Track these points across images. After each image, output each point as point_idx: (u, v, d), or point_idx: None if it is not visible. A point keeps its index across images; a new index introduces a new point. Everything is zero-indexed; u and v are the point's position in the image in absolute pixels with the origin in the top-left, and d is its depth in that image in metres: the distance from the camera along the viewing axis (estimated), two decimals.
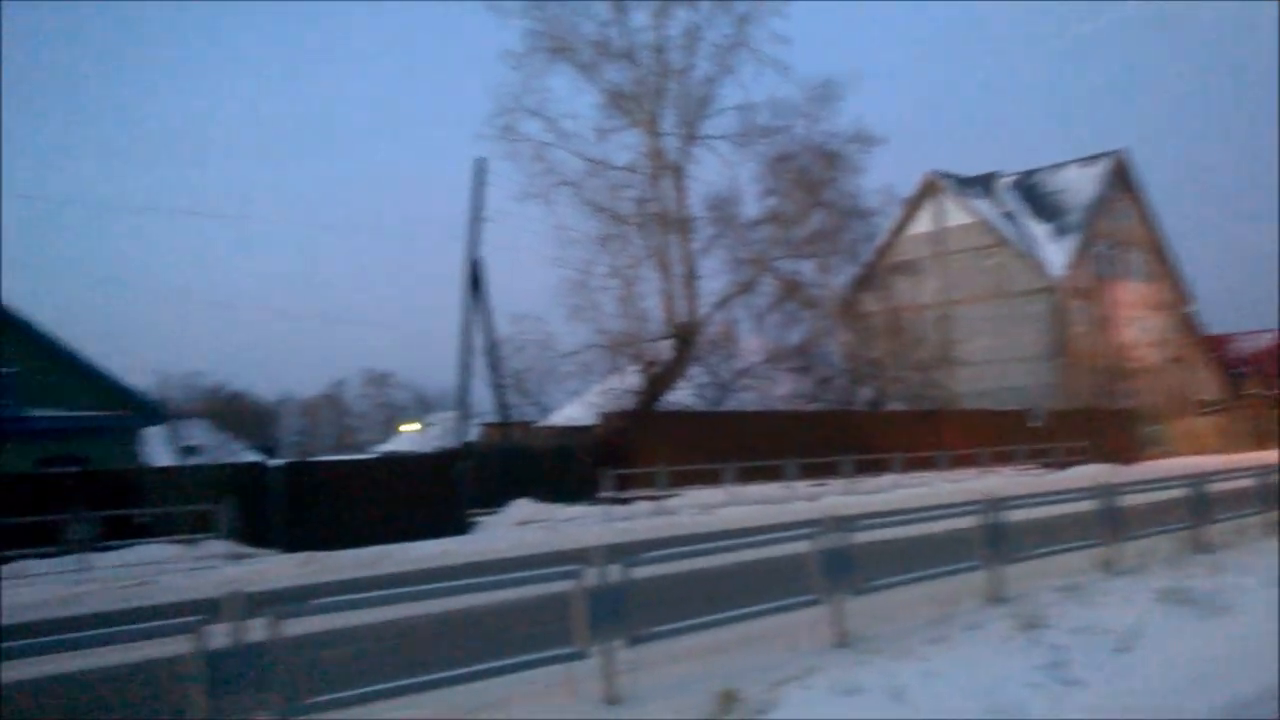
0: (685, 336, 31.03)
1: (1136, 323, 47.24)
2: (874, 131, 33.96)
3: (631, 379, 31.09)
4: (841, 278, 36.58)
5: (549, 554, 15.81)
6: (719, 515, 22.22)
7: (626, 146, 31.20)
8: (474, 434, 31.35)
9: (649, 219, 31.09)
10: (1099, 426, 38.32)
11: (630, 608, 6.79)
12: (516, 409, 32.71)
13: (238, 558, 17.88)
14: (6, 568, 16.43)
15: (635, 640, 6.82)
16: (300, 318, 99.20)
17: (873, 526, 8.84)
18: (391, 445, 49.01)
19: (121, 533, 18.03)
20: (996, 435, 34.15)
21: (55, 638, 5.60)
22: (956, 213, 46.38)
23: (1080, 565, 10.88)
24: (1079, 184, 47.63)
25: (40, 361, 23.90)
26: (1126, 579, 10.15)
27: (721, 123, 31.66)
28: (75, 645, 5.66)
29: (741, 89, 35.49)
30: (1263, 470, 14.57)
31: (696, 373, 32.94)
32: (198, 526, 18.53)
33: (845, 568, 8.13)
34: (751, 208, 33.13)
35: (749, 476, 26.00)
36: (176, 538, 18.30)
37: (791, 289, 33.80)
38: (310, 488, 21.22)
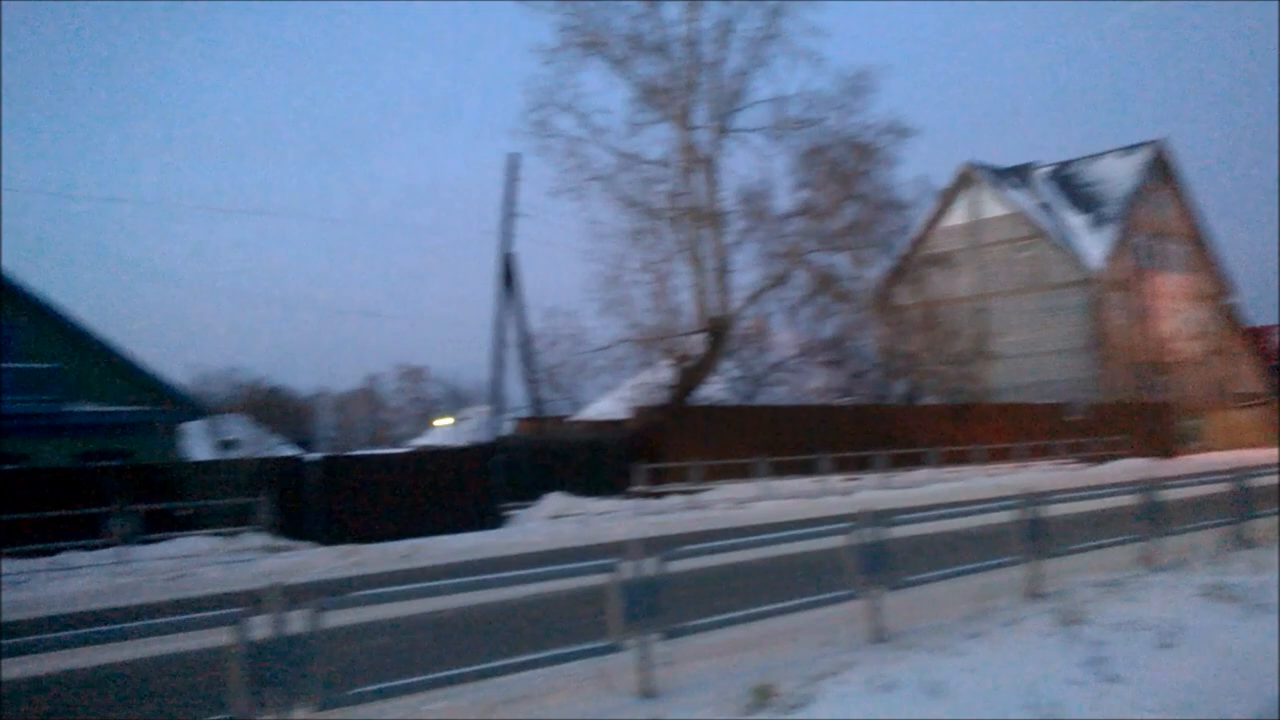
0: (718, 330, 30.95)
1: (1176, 315, 46.52)
2: (908, 123, 33.73)
3: (664, 373, 31.08)
4: (875, 271, 36.37)
5: (583, 548, 15.86)
6: (752, 510, 22.18)
7: (659, 140, 31.22)
8: (507, 428, 31.49)
9: (681, 213, 31.03)
10: (1137, 420, 37.81)
11: (666, 601, 6.79)
12: (549, 403, 32.84)
13: (276, 550, 18.11)
14: (51, 559, 16.76)
15: (671, 634, 6.82)
16: (336, 313, 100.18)
17: (909, 521, 8.77)
18: (425, 440, 49.41)
19: (162, 526, 18.32)
20: (1033, 429, 33.79)
21: (102, 628, 5.70)
22: (992, 204, 45.90)
23: (1120, 561, 10.74)
24: (1117, 174, 46.97)
25: (82, 357, 24.28)
26: (1167, 575, 10.00)
27: (754, 116, 31.58)
28: (122, 636, 5.74)
29: (774, 81, 35.47)
30: None
31: (729, 367, 32.86)
32: (236, 520, 18.80)
33: (881, 562, 8.07)
34: (784, 201, 32.99)
35: (782, 471, 25.93)
36: (216, 531, 18.60)
37: (825, 282, 33.60)
38: (346, 481, 21.44)
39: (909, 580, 8.43)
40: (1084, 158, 49.15)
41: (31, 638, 5.45)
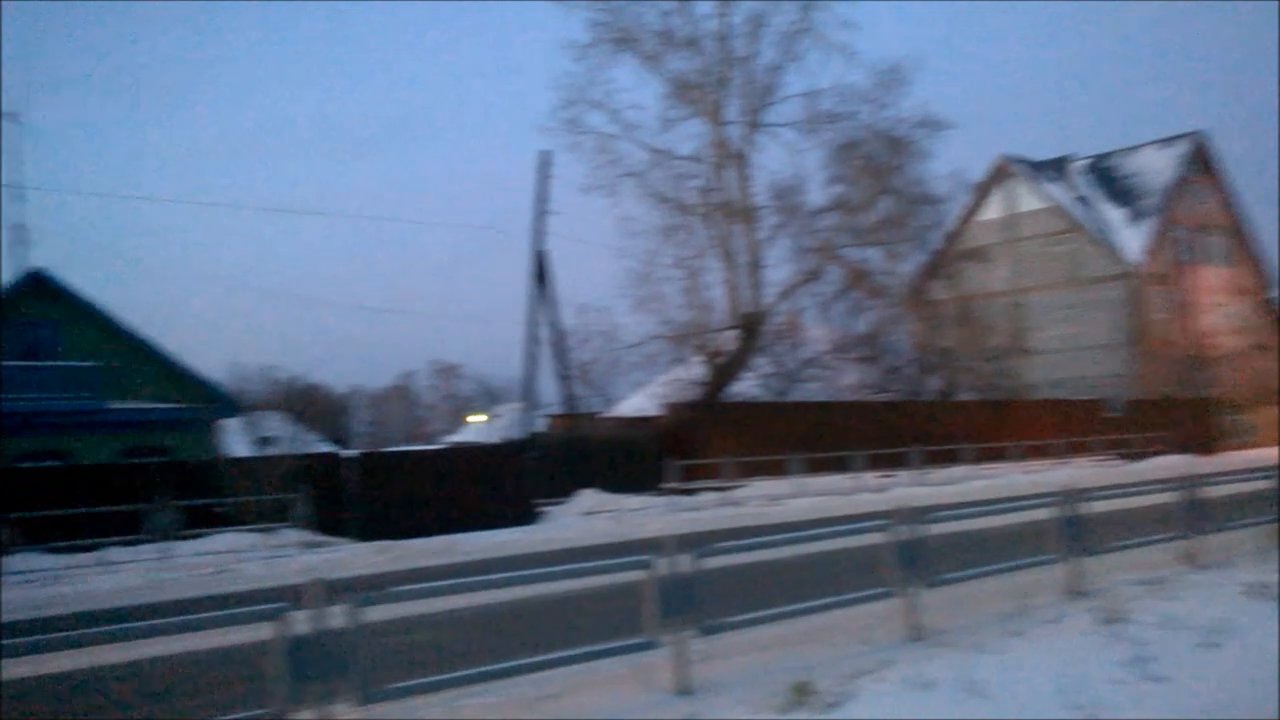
0: (750, 326, 30.86)
1: (1217, 309, 45.69)
2: (942, 116, 33.38)
3: (696, 370, 31.04)
4: (909, 265, 36.00)
5: (616, 544, 15.87)
6: (786, 506, 22.11)
7: (690, 136, 31.15)
8: (540, 425, 31.62)
9: (713, 209, 30.96)
10: (1177, 416, 37.22)
11: (701, 598, 6.78)
12: (582, 400, 32.91)
13: (313, 546, 18.30)
14: (94, 555, 17.05)
15: (706, 631, 6.81)
16: (371, 311, 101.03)
17: (947, 518, 8.70)
18: (459, 436, 49.70)
19: (202, 521, 18.58)
20: (1071, 425, 33.38)
21: (147, 623, 5.78)
22: (1028, 198, 45.37)
23: (1162, 559, 10.59)
24: (1156, 167, 46.22)
25: (123, 356, 24.66)
26: (1211, 573, 9.85)
27: (786, 110, 31.41)
28: (165, 630, 5.82)
29: (807, 76, 35.13)
30: None
31: (762, 363, 32.73)
32: (274, 515, 19.02)
33: (918, 560, 8.01)
34: (817, 195, 32.76)
35: (815, 467, 25.81)
36: (254, 526, 18.81)
37: (858, 277, 33.36)
38: (382, 478, 21.64)
39: (946, 578, 8.36)
40: (1122, 150, 48.42)
41: (74, 632, 5.55)
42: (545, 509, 22.74)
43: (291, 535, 18.75)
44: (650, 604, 6.62)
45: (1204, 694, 6.33)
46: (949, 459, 28.56)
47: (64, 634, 5.52)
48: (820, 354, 33.99)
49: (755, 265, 31.28)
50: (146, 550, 17.29)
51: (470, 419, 58.06)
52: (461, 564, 14.96)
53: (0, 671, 4.95)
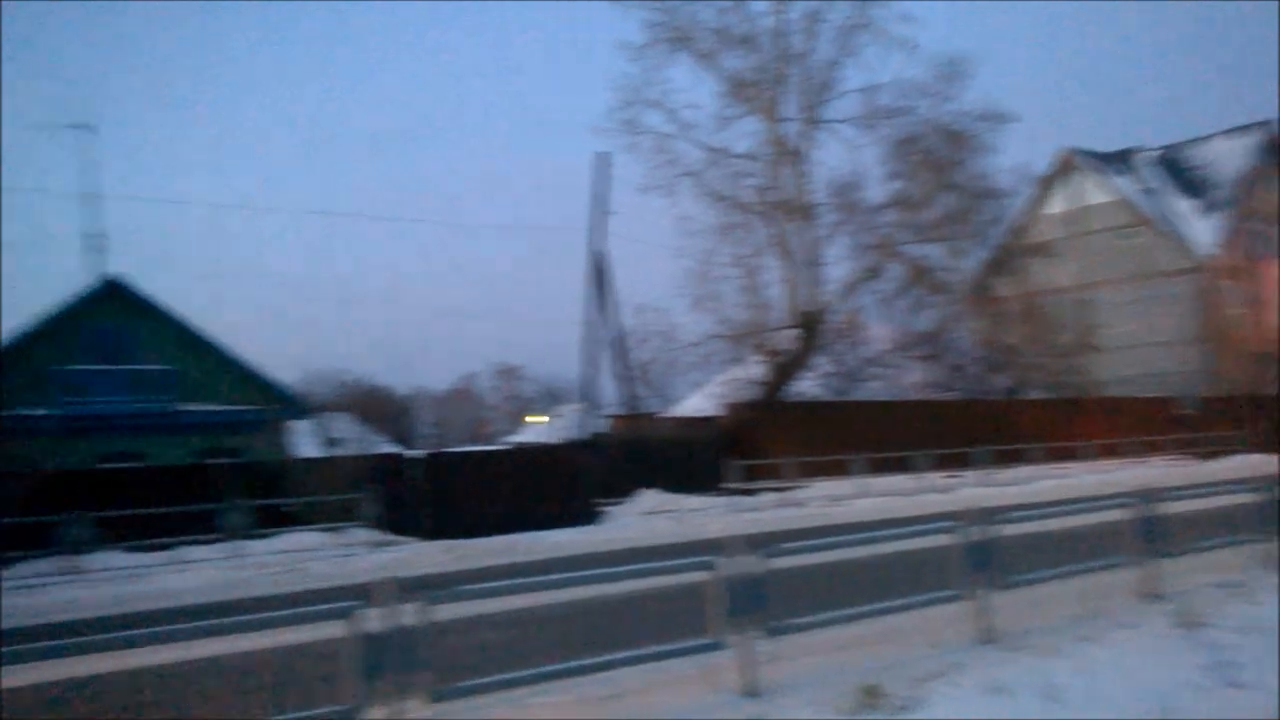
0: (809, 325, 30.63)
1: None
2: (1005, 108, 32.77)
3: (755, 369, 30.89)
4: (972, 261, 35.38)
5: (678, 544, 15.88)
6: (849, 507, 21.90)
7: (747, 134, 31.02)
8: (600, 425, 31.76)
9: (771, 206, 30.80)
10: (1253, 414, 36.04)
11: (768, 599, 6.75)
12: (641, 400, 32.97)
13: (380, 545, 18.59)
14: (168, 554, 17.52)
15: (773, 632, 6.77)
16: (434, 314, 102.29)
17: (1017, 519, 8.54)
18: (520, 437, 50.07)
19: (272, 521, 18.98)
20: (1142, 424, 32.56)
21: (225, 620, 5.93)
22: (1094, 191, 44.38)
23: (1242, 561, 10.28)
24: (1227, 157, 44.88)
25: (195, 359, 25.28)
26: None
27: (844, 106, 31.12)
28: (241, 628, 5.96)
29: (865, 70, 34.67)
30: None
31: (822, 362, 32.45)
32: (342, 515, 19.36)
33: (989, 562, 7.88)
34: (877, 191, 32.39)
35: (878, 468, 25.52)
36: (323, 525, 19.16)
37: (920, 274, 32.89)
38: (446, 478, 21.91)
39: (1017, 580, 8.21)
40: (1191, 140, 47.11)
41: (158, 628, 5.72)
42: (605, 509, 22.83)
43: (359, 534, 19.06)
44: (715, 605, 6.61)
45: None
46: (1016, 459, 28.05)
47: (145, 631, 5.69)
48: (882, 352, 33.58)
49: (814, 263, 31.06)
50: (219, 549, 17.70)
51: (530, 419, 58.48)
52: (525, 564, 15.08)
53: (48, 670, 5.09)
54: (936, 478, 25.85)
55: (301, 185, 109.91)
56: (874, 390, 32.87)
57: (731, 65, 30.62)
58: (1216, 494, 11.07)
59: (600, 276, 31.63)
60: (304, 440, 24.95)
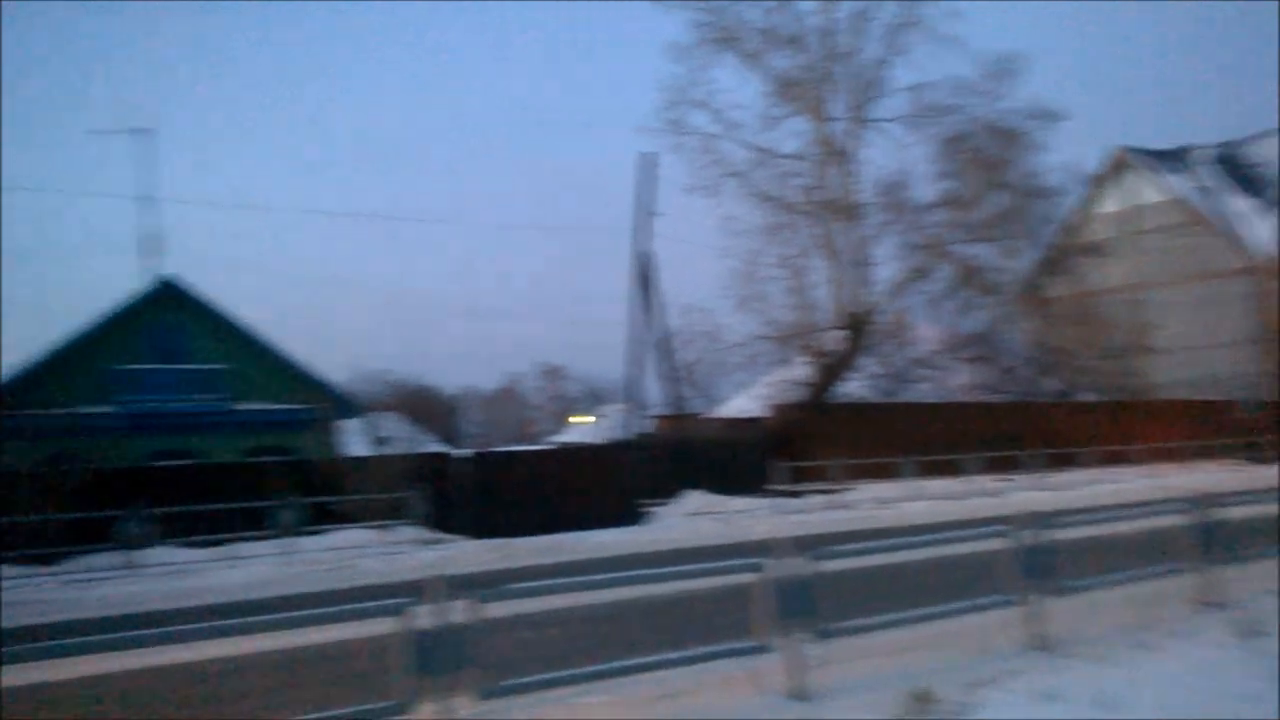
0: (857, 326, 30.38)
1: None
2: (1056, 106, 32.25)
3: (801, 370, 30.71)
4: (1023, 261, 34.85)
5: (724, 545, 15.85)
6: (897, 510, 21.71)
7: (794, 134, 30.80)
8: (645, 426, 31.77)
9: (818, 206, 30.59)
10: None
11: (817, 602, 6.71)
12: (686, 401, 32.92)
13: (428, 543, 18.78)
14: (222, 549, 17.86)
15: (822, 635, 6.73)
16: (480, 315, 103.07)
17: (1071, 524, 8.40)
18: (564, 437, 50.28)
19: (322, 518, 19.26)
20: (1197, 428, 31.89)
21: (278, 615, 6.03)
22: (1149, 190, 43.54)
23: None
24: None
25: (248, 359, 25.71)
26: None
27: (892, 104, 30.79)
28: (295, 624, 6.06)
29: (913, 69, 34.28)
30: None
31: (869, 363, 32.16)
32: (390, 513, 19.60)
33: (1042, 567, 7.75)
34: (925, 191, 31.98)
35: (926, 470, 25.27)
36: (372, 523, 19.41)
37: (969, 274, 32.45)
38: (492, 477, 22.08)
39: (1071, 586, 8.07)
40: (1249, 137, 45.95)
41: (211, 624, 5.83)
42: (650, 510, 22.84)
43: (407, 532, 19.27)
44: (763, 607, 6.58)
45: None
46: (1068, 462, 27.62)
47: (198, 626, 5.80)
48: (930, 353, 33.21)
49: (861, 263, 30.79)
50: (271, 545, 17.99)
51: (575, 419, 58.68)
52: (570, 563, 15.14)
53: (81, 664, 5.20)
54: (986, 481, 25.52)
55: (349, 187, 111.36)
56: (922, 392, 32.52)
57: (778, 65, 30.49)
58: (1277, 500, 10.80)
59: (645, 277, 31.66)
60: (353, 439, 25.27)
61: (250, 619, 5.91)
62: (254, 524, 18.48)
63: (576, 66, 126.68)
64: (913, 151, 32.43)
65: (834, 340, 30.57)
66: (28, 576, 16.04)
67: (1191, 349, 40.33)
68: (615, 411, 40.88)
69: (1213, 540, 9.02)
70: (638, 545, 17.27)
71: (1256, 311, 40.43)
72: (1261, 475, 26.43)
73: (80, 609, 13.05)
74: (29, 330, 65.48)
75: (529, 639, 8.10)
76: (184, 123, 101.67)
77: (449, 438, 45.46)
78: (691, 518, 22.02)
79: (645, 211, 31.75)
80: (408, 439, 24.40)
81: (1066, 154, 62.62)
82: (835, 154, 30.52)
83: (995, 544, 7.88)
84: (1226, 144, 46.40)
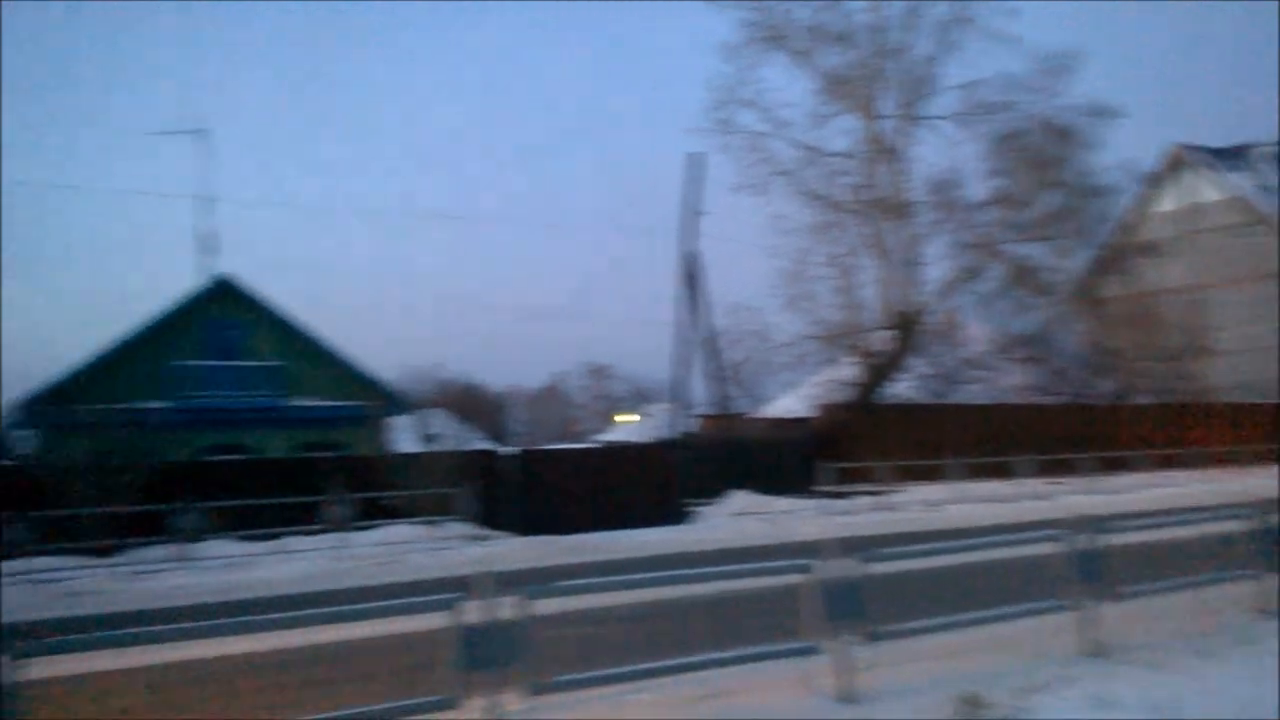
0: (906, 326, 30.07)
1: None
2: (1112, 103, 31.62)
3: (849, 370, 30.46)
4: (1077, 261, 34.20)
5: (770, 546, 15.79)
6: (946, 512, 21.46)
7: (843, 132, 30.54)
8: (691, 425, 31.73)
9: (867, 205, 30.31)
10: None
11: (866, 604, 6.66)
12: (732, 400, 32.82)
13: (476, 539, 18.95)
14: (274, 543, 18.16)
15: (872, 637, 6.68)
16: (526, 314, 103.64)
17: (1128, 529, 8.25)
18: (610, 435, 50.36)
19: (372, 514, 19.51)
20: (1256, 432, 31.12)
21: (330, 609, 6.12)
22: (1207, 188, 42.55)
23: None
24: None
25: (300, 356, 26.10)
26: None
27: (944, 102, 30.40)
28: (347, 617, 6.15)
29: (966, 66, 33.82)
30: None
31: (918, 363, 31.79)
32: (439, 509, 19.80)
33: (1096, 572, 7.62)
34: (977, 189, 31.48)
35: (976, 473, 24.95)
36: (420, 519, 19.63)
37: (1022, 274, 31.94)
38: (539, 474, 22.21)
39: (1126, 592, 7.92)
40: None
41: (265, 616, 5.94)
42: (695, 509, 22.81)
43: (455, 528, 19.45)
44: (811, 608, 6.55)
45: None
46: (1122, 466, 27.12)
47: (249, 618, 5.92)
48: (981, 354, 32.73)
49: (911, 262, 30.45)
50: (322, 540, 18.25)
51: (620, 418, 58.75)
52: (616, 561, 15.17)
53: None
54: (1037, 484, 25.13)
55: (401, 187, 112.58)
56: (972, 393, 32.04)
57: (827, 62, 30.25)
58: None
59: (692, 277, 31.62)
60: (403, 435, 25.49)
61: (301, 612, 6.02)
62: (305, 518, 18.77)
63: (626, 67, 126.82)
64: (964, 149, 31.96)
65: (882, 340, 30.28)
66: (87, 567, 16.44)
67: (1250, 351, 39.32)
68: (661, 411, 40.86)
69: (1273, 547, 8.81)
70: (683, 544, 17.26)
71: None
72: None
73: (137, 600, 13.36)
74: (89, 327, 67.18)
75: (576, 636, 8.13)
76: (239, 123, 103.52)
77: (496, 435, 45.76)
78: (736, 518, 21.96)
79: (692, 211, 31.72)
80: (456, 436, 24.49)
81: (1123, 152, 61.29)
82: (885, 152, 30.24)
83: (1047, 548, 7.77)
84: None
